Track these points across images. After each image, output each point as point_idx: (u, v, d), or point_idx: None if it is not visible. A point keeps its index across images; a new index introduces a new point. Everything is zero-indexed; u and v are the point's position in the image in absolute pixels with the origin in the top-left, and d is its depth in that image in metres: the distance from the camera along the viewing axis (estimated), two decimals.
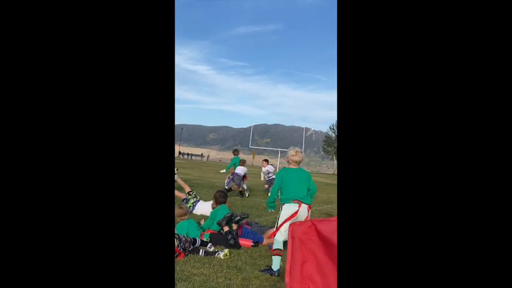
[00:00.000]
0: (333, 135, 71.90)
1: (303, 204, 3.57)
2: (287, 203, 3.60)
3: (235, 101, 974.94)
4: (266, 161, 11.15)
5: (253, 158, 44.69)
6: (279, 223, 3.60)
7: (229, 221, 4.46)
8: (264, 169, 11.01)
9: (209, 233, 4.55)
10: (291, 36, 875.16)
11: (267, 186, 10.93)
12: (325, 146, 73.63)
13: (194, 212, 6.45)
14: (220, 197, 5.22)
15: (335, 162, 71.44)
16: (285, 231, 3.47)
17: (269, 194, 4.12)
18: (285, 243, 3.38)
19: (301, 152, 3.79)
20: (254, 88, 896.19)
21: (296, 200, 3.57)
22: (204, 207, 6.45)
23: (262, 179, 12.11)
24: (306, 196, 3.63)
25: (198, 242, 4.01)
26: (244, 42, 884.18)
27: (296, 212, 3.54)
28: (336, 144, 69.65)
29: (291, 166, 3.75)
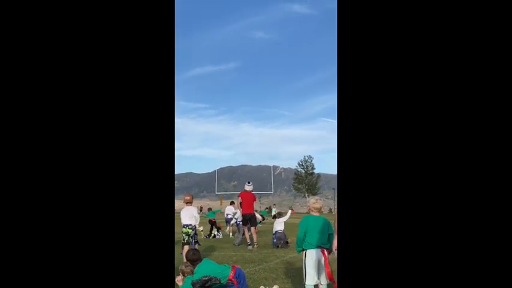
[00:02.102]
0: (303, 171, 68.16)
1: (324, 250, 4.14)
2: (311, 249, 4.14)
3: (198, 144, 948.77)
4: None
5: (221, 204, 39.37)
6: (307, 270, 4.14)
7: (202, 286, 4.20)
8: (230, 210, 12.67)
9: None
10: (250, 74, 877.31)
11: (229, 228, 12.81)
12: (296, 184, 69.39)
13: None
14: (192, 255, 4.73)
15: (308, 199, 67.27)
16: (313, 275, 4.09)
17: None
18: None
19: (320, 199, 4.57)
20: (217, 129, 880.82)
21: (319, 246, 4.12)
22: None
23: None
24: (326, 243, 4.18)
25: None
26: (202, 83, 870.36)
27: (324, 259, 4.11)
28: (306, 181, 66.08)
29: (313, 213, 4.30)
